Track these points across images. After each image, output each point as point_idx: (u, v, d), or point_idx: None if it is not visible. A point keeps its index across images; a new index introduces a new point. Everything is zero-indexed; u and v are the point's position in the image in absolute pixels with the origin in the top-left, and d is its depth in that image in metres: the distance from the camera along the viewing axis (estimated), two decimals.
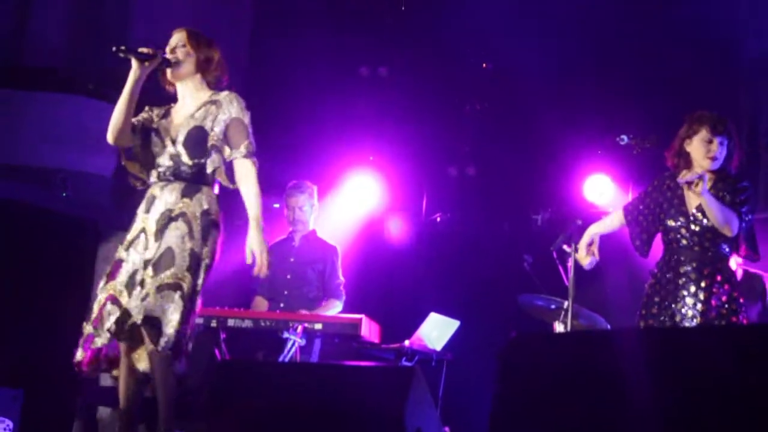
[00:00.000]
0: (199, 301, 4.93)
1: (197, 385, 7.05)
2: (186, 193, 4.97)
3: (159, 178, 5.04)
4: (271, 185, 8.02)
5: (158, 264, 4.81)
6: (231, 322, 6.75)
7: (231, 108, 5.05)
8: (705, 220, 5.42)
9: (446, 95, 9.65)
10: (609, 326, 7.08)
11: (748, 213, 5.46)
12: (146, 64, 4.99)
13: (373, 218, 9.39)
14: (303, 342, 6.60)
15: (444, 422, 6.28)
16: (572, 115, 8.54)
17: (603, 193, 8.46)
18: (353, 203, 9.26)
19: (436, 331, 7.36)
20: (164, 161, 5.02)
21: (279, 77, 9.06)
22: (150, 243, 4.91)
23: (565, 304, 6.67)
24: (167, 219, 4.91)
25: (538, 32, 8.83)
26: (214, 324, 6.73)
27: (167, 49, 5.11)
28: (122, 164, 5.17)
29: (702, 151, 5.46)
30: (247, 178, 5.01)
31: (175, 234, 4.85)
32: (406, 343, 7.11)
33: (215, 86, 5.19)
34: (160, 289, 4.75)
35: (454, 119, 9.66)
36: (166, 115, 5.16)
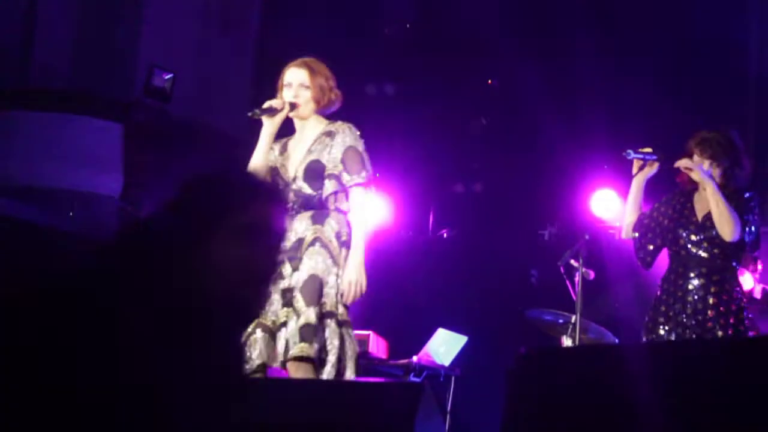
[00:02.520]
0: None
1: None
2: (316, 220, 5.04)
3: (287, 212, 5.05)
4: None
5: (309, 293, 4.88)
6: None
7: (345, 137, 5.13)
8: (714, 230, 5.44)
9: (452, 112, 9.66)
10: (617, 340, 7.08)
11: (755, 223, 5.48)
12: (276, 118, 5.09)
13: (379, 234, 9.38)
14: None
15: None
16: (578, 131, 8.55)
17: (610, 208, 8.45)
18: (359, 220, 9.24)
19: (444, 346, 7.36)
20: (290, 197, 5.07)
21: None
22: (287, 273, 4.96)
23: (573, 318, 6.67)
24: (305, 247, 4.97)
25: (543, 48, 8.85)
26: None
27: (286, 87, 5.17)
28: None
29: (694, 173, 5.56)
30: (359, 206, 5.11)
31: (316, 260, 4.93)
32: (414, 358, 7.11)
33: (330, 110, 5.26)
34: (321, 318, 4.87)
35: (461, 135, 9.67)
36: (284, 149, 5.22)
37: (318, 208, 5.05)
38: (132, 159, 8.53)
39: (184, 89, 8.73)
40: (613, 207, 8.42)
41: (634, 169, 5.74)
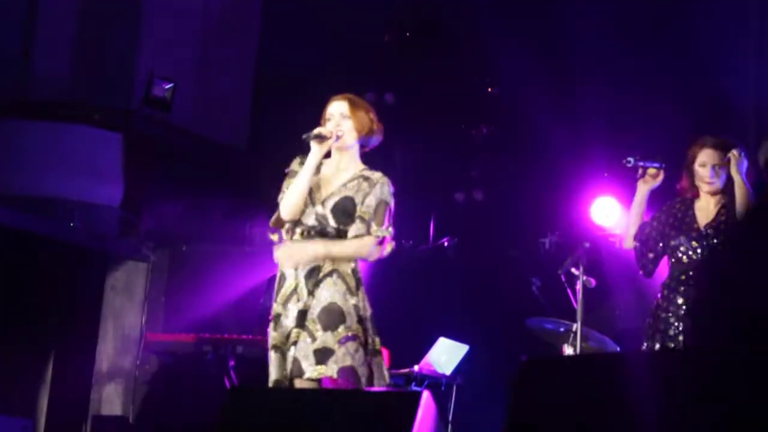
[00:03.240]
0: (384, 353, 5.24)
1: (205, 413, 7.04)
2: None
3: (303, 235, 5.15)
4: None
5: (327, 320, 4.97)
6: (239, 349, 6.75)
7: (383, 190, 5.27)
8: (715, 239, 5.45)
9: (452, 120, 9.67)
10: (618, 348, 7.07)
11: None
12: (324, 145, 5.15)
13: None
14: None
15: None
16: (578, 138, 8.55)
17: (610, 216, 8.44)
18: None
19: (446, 355, 7.35)
20: (309, 221, 5.15)
21: (285, 105, 9.08)
22: (302, 296, 5.05)
23: (574, 326, 6.66)
24: (320, 275, 5.06)
25: (544, 57, 8.85)
26: (222, 351, 6.73)
27: (329, 119, 5.25)
28: (271, 222, 5.27)
29: (699, 174, 5.56)
30: (371, 253, 5.23)
31: (334, 289, 5.04)
32: (416, 368, 7.11)
33: (370, 143, 5.39)
34: (341, 342, 4.96)
35: (461, 144, 9.67)
36: (318, 171, 5.26)
37: (332, 238, 5.13)
38: (132, 168, 8.53)
39: (184, 99, 8.74)
40: (613, 215, 8.41)
41: (639, 179, 5.74)
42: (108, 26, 8.84)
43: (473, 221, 9.45)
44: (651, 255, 5.72)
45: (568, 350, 6.87)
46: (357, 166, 5.32)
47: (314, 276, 5.06)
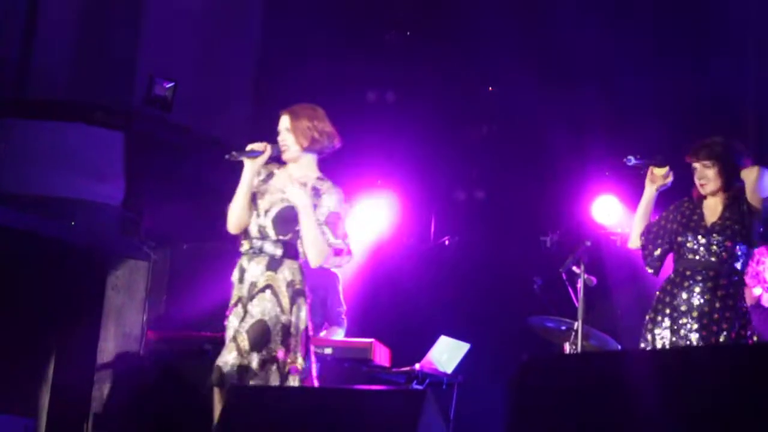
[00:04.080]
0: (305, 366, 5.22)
1: (207, 411, 7.05)
2: (270, 267, 5.19)
3: (248, 250, 5.27)
4: None
5: (254, 337, 5.06)
6: None
7: (332, 201, 5.29)
8: (722, 236, 5.48)
9: (453, 119, 9.67)
10: (620, 347, 7.07)
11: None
12: (257, 160, 5.26)
13: (381, 242, 9.39)
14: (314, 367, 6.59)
15: None
16: (579, 137, 8.55)
17: (611, 214, 8.45)
18: (362, 227, 9.27)
19: (447, 354, 7.35)
20: (253, 231, 5.26)
21: (286, 103, 9.07)
22: (238, 314, 5.19)
23: (576, 325, 6.66)
24: (254, 291, 5.17)
25: (543, 55, 8.86)
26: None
27: (279, 136, 5.36)
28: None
29: (695, 180, 5.60)
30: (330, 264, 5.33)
31: (264, 307, 5.11)
32: (417, 366, 7.11)
33: (328, 152, 5.46)
34: (263, 365, 5.04)
35: (462, 143, 9.68)
36: (268, 178, 5.38)
37: (275, 252, 5.22)
38: (133, 167, 8.53)
39: (185, 97, 8.73)
40: (614, 213, 8.42)
41: (648, 181, 5.75)
42: (109, 25, 8.84)
43: (474, 220, 9.46)
44: (657, 253, 5.73)
45: (569, 348, 6.87)
46: (311, 175, 5.39)
47: (249, 292, 5.18)
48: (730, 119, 8.34)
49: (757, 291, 6.79)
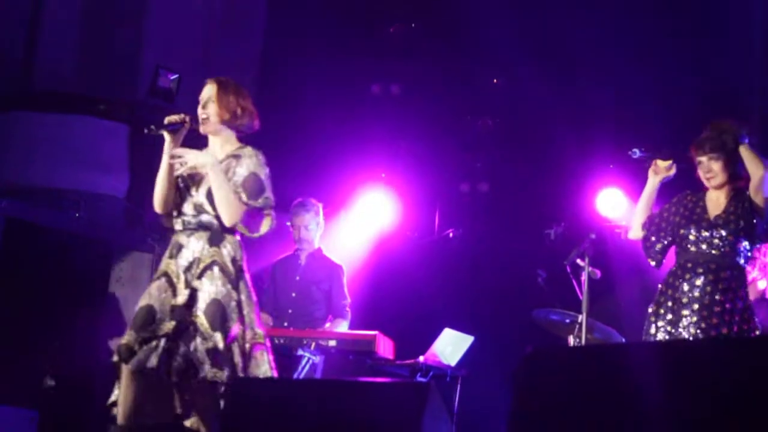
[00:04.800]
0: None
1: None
2: (213, 242, 5.11)
3: (184, 226, 5.17)
4: (284, 203, 8.03)
5: (214, 318, 4.96)
6: None
7: (249, 162, 5.16)
8: (725, 229, 5.48)
9: (458, 112, 9.66)
10: (624, 340, 7.07)
11: None
12: (177, 134, 5.17)
13: (386, 235, 9.39)
14: (318, 359, 6.60)
15: None
16: (584, 130, 8.54)
17: (616, 207, 8.44)
18: (366, 220, 9.27)
19: (451, 346, 7.35)
20: (188, 210, 5.17)
21: (290, 96, 9.08)
22: (179, 290, 5.05)
23: (579, 318, 6.66)
24: (200, 267, 5.06)
25: (548, 47, 8.84)
26: None
27: (199, 106, 5.24)
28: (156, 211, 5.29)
29: (700, 174, 5.59)
30: (235, 202, 5.12)
31: (216, 285, 5.02)
32: (421, 359, 7.10)
33: (245, 131, 5.30)
34: (229, 344, 4.94)
35: (466, 135, 9.67)
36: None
37: (215, 230, 5.12)
38: (137, 160, 8.54)
39: (189, 91, 8.73)
40: (619, 206, 8.41)
41: (651, 171, 5.75)
42: (113, 18, 8.84)
43: (478, 212, 9.46)
44: (659, 245, 5.74)
45: (573, 341, 6.87)
46: (231, 147, 5.27)
47: (193, 269, 5.06)
48: (734, 111, 8.33)
49: (762, 284, 6.79)
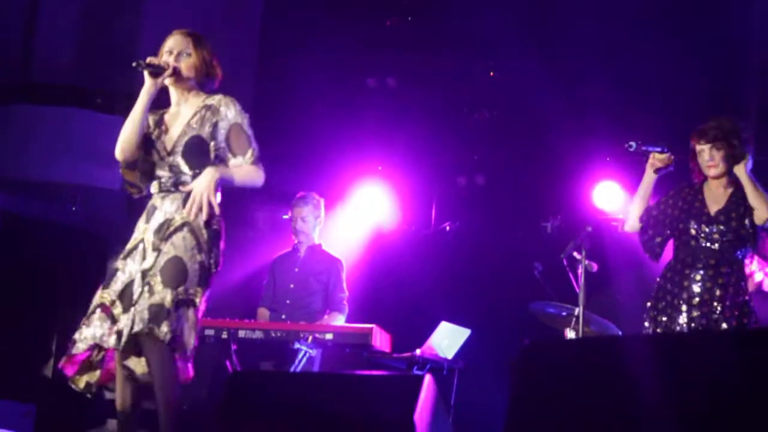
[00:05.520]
0: (202, 308, 4.87)
1: (208, 397, 7.07)
2: (186, 203, 4.86)
3: (160, 189, 4.93)
4: (281, 197, 8.04)
5: (169, 274, 4.70)
6: (242, 333, 6.77)
7: (228, 113, 4.96)
8: (725, 224, 5.49)
9: (454, 105, 9.66)
10: (620, 332, 7.08)
11: None
12: (159, 78, 4.91)
13: (382, 228, 9.40)
14: (315, 352, 6.61)
15: (456, 431, 6.28)
16: (580, 123, 8.54)
17: (612, 200, 8.45)
18: (362, 213, 9.28)
19: (447, 339, 7.36)
20: (163, 172, 4.93)
21: (287, 89, 9.07)
22: (148, 253, 4.81)
23: (576, 311, 6.68)
24: (170, 229, 4.81)
25: (544, 39, 8.84)
26: (224, 335, 6.75)
27: (166, 53, 4.99)
28: (119, 172, 5.06)
29: (700, 162, 5.58)
30: (248, 181, 4.94)
31: (183, 245, 4.76)
32: (418, 352, 7.12)
33: (208, 87, 5.07)
34: (177, 305, 4.69)
35: (463, 128, 9.66)
36: (160, 122, 5.03)
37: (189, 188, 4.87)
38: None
39: None
40: (615, 199, 8.42)
41: (648, 165, 5.75)
42: (111, 10, 8.83)
43: (475, 205, 9.46)
44: (658, 239, 5.74)
45: (570, 334, 6.88)
46: (199, 99, 5.02)
47: (162, 230, 4.81)
48: (731, 103, 8.34)
49: (759, 277, 6.80)
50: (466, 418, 7.31)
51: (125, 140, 4.93)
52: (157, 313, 4.63)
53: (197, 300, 4.77)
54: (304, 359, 6.52)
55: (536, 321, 7.39)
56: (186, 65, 4.97)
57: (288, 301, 7.34)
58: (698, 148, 5.60)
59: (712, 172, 5.59)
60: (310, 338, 6.53)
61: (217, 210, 4.87)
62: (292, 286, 7.39)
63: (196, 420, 5.95)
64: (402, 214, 9.46)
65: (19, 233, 7.94)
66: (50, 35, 8.58)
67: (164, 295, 4.67)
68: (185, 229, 4.79)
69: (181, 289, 4.70)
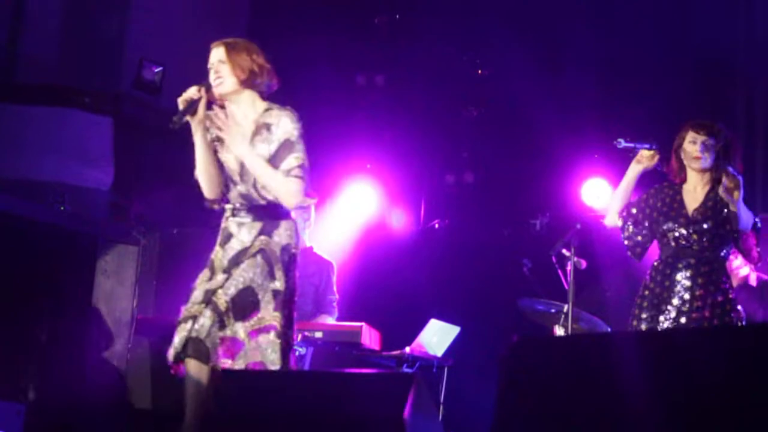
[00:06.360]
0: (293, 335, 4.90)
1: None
2: (264, 231, 4.85)
3: (233, 214, 4.91)
4: None
5: (241, 305, 4.69)
6: None
7: (278, 131, 4.88)
8: (704, 224, 5.49)
9: (442, 102, 9.66)
10: (609, 329, 7.09)
11: (756, 215, 5.55)
12: (199, 112, 4.83)
13: (371, 226, 9.40)
14: (304, 351, 6.61)
15: (446, 428, 6.28)
16: (569, 120, 8.55)
17: (600, 197, 8.46)
18: (352, 211, 9.27)
19: (437, 337, 7.36)
20: (234, 197, 4.92)
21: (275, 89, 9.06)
22: (217, 273, 4.81)
23: (565, 308, 6.68)
24: (244, 255, 4.79)
25: (532, 37, 8.85)
26: None
27: (210, 73, 4.94)
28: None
29: (688, 152, 5.56)
30: (274, 179, 4.85)
31: (254, 272, 4.75)
32: (407, 349, 7.11)
33: (266, 90, 5.00)
34: (253, 334, 4.70)
35: (451, 126, 9.67)
36: (221, 138, 4.94)
37: (266, 217, 4.87)
38: (122, 152, 8.52)
39: (174, 82, 8.71)
40: (604, 196, 8.43)
41: (634, 160, 5.74)
42: (97, 9, 8.81)
43: (464, 203, 9.46)
44: (639, 238, 5.74)
45: (559, 331, 6.89)
46: (257, 108, 4.95)
47: (238, 259, 4.79)
48: (719, 100, 8.35)
49: (744, 271, 6.82)
50: (455, 416, 7.31)
51: (206, 184, 4.94)
52: (230, 346, 4.67)
53: (277, 323, 4.75)
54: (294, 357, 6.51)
55: (525, 318, 7.40)
56: (226, 74, 4.91)
57: None
58: (691, 137, 5.57)
59: (697, 164, 5.57)
60: (300, 336, 6.52)
61: (291, 238, 4.87)
62: None
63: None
64: (391, 211, 9.45)
65: (7, 233, 7.91)
66: (35, 36, 8.55)
67: (236, 329, 4.70)
68: (259, 256, 4.77)
69: (254, 319, 4.71)
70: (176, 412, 4.97)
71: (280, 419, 4.03)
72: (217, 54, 4.97)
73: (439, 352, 7.33)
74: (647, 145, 5.71)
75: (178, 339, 4.70)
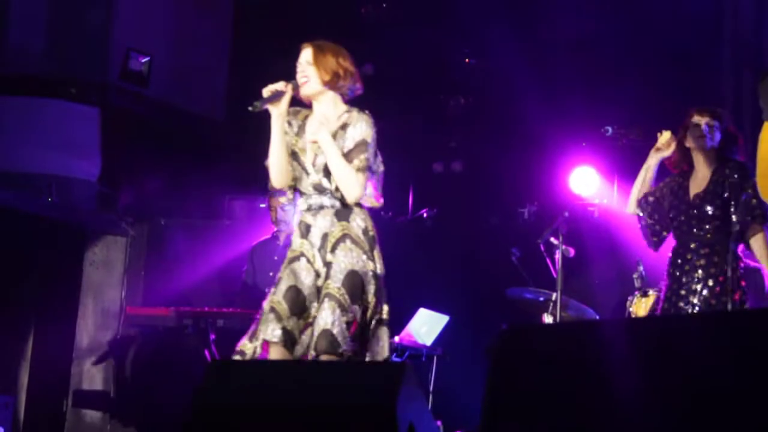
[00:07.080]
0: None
1: (187, 386, 7.05)
2: (341, 218, 4.97)
3: (309, 207, 5.03)
4: (258, 186, 8.02)
5: (350, 288, 4.85)
6: (220, 322, 6.75)
7: (354, 132, 5.05)
8: (704, 208, 5.53)
9: (430, 91, 9.65)
10: (597, 317, 7.11)
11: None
12: (282, 105, 4.99)
13: None
14: None
15: (436, 416, 6.29)
16: (556, 108, 8.55)
17: (589, 185, 8.47)
18: None
19: (426, 326, 7.37)
20: (308, 189, 5.02)
21: (262, 77, 9.01)
22: (318, 268, 4.94)
23: (554, 296, 6.69)
24: (332, 242, 4.92)
25: (520, 25, 8.85)
26: (203, 325, 6.73)
27: (298, 69, 5.10)
28: (269, 186, 5.18)
29: (693, 132, 5.58)
30: (345, 171, 4.98)
31: (352, 256, 4.90)
32: (396, 339, 7.12)
33: (350, 94, 5.20)
34: (363, 315, 4.90)
35: (439, 115, 9.66)
36: (300, 132, 5.10)
37: (340, 203, 4.99)
38: (109, 143, 8.49)
39: (161, 71, 8.69)
40: (591, 184, 8.44)
41: (653, 149, 5.75)
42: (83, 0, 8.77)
43: (452, 192, 9.46)
44: (658, 227, 5.79)
45: (547, 319, 6.90)
46: (338, 111, 5.13)
47: (326, 245, 4.93)
48: (705, 88, 8.37)
49: None
50: (445, 405, 7.32)
51: (277, 173, 5.04)
52: (353, 332, 4.83)
53: (383, 317, 5.02)
54: None
55: (514, 307, 7.41)
56: (311, 74, 5.07)
57: (267, 290, 7.33)
58: (695, 120, 5.60)
59: (701, 142, 5.60)
60: None
61: (367, 222, 5.02)
62: (271, 274, 7.37)
63: (174, 410, 5.93)
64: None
65: None
66: (21, 26, 8.51)
67: (355, 312, 4.86)
68: (347, 240, 4.93)
69: (360, 303, 4.89)
70: (164, 402, 4.98)
71: (270, 409, 4.03)
72: (305, 55, 5.14)
73: (428, 341, 7.34)
74: (635, 134, 5.73)
75: (269, 328, 4.87)
